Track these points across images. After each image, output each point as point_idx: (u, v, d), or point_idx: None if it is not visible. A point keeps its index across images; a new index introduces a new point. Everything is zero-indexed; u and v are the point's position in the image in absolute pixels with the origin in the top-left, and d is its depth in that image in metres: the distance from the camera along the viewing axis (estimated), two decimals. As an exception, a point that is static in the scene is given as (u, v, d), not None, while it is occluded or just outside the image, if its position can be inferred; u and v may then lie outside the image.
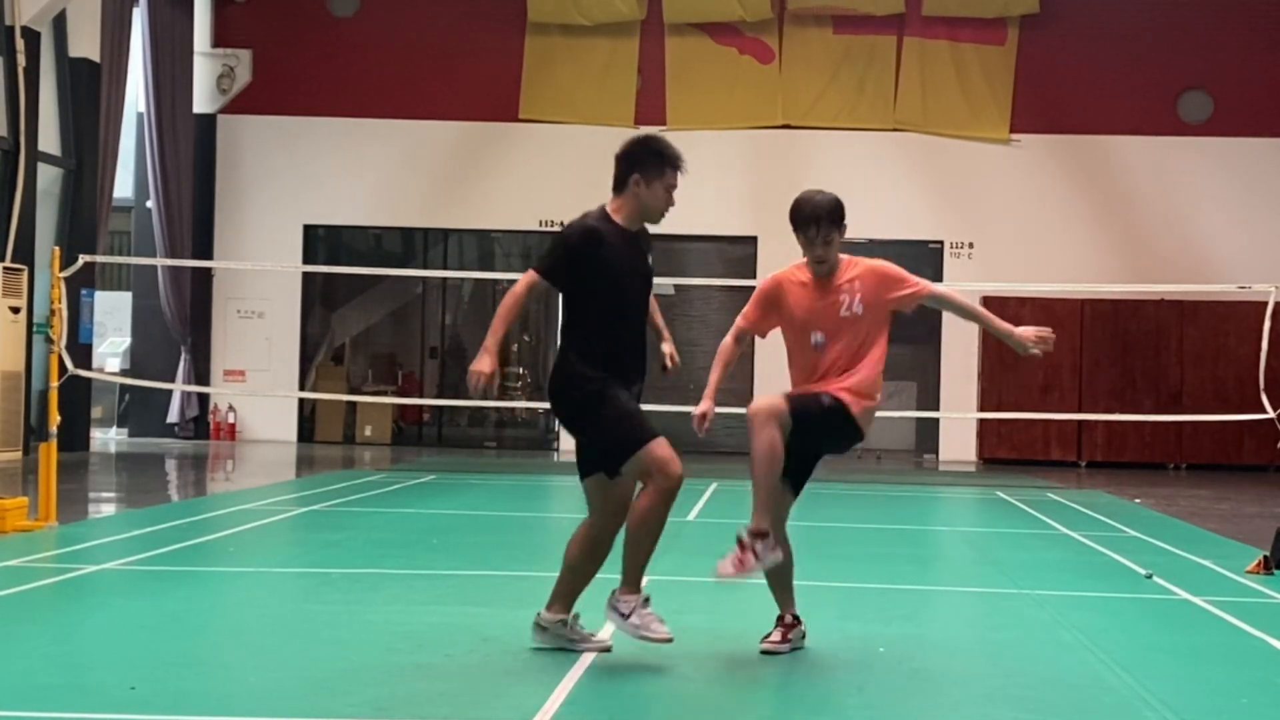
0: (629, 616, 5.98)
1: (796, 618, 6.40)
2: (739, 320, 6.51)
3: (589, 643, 6.15)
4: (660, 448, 5.87)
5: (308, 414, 22.76)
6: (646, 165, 6.08)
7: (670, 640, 5.96)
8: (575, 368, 6.00)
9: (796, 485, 6.29)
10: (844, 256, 6.33)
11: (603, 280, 5.99)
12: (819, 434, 6.16)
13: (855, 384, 6.14)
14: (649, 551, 5.99)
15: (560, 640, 6.12)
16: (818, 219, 6.18)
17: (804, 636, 6.40)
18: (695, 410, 6.38)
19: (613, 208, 6.12)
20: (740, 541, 5.98)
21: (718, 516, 11.84)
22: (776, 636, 6.30)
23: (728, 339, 6.52)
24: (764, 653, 6.21)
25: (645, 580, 6.09)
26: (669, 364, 6.37)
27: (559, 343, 6.18)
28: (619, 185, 6.12)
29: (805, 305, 6.25)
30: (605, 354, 6.02)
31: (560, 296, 6.18)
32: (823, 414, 6.08)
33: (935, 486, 17.12)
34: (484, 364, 5.85)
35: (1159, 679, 5.94)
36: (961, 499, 15.78)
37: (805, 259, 6.32)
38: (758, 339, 6.65)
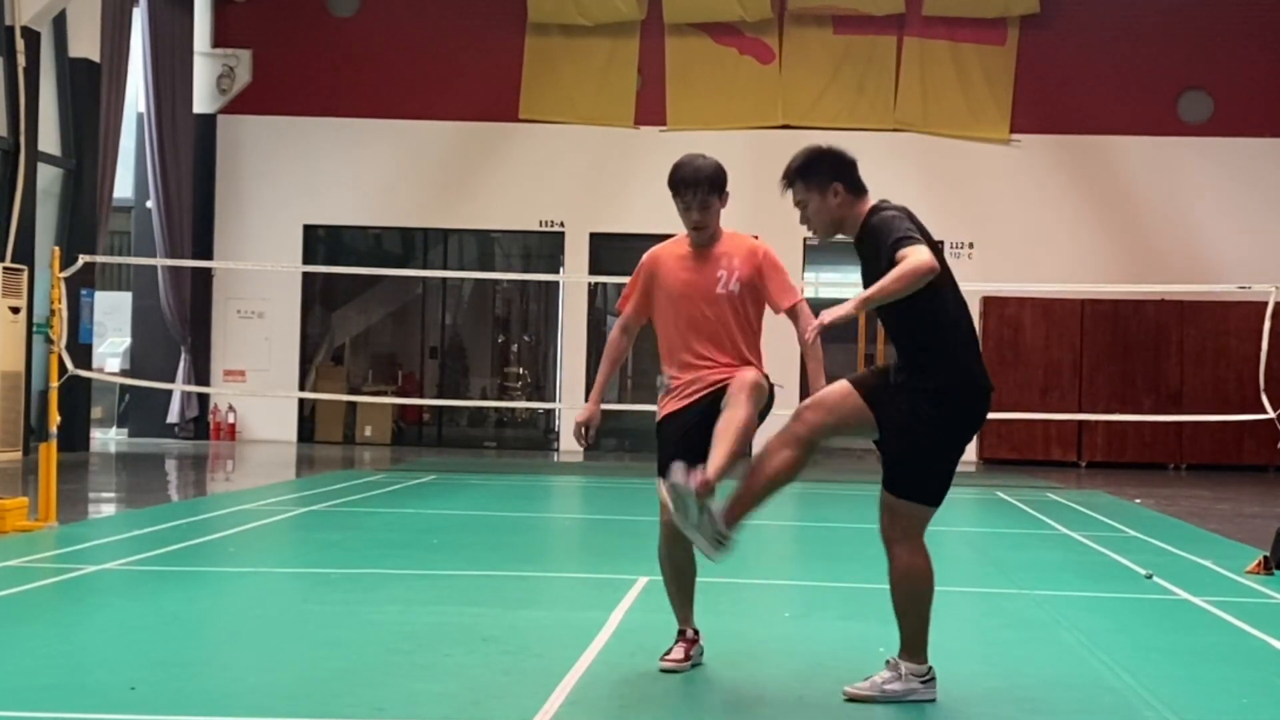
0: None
1: (698, 632, 6.02)
2: (622, 307, 6.13)
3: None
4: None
5: (308, 414, 22.76)
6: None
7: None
8: None
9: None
10: (728, 231, 6.07)
11: None
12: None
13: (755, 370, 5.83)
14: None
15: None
16: (697, 182, 5.89)
17: (702, 653, 5.99)
18: (577, 417, 6.04)
19: None
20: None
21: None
22: (679, 654, 5.88)
23: (614, 333, 6.17)
24: (664, 671, 5.81)
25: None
26: None
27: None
28: None
29: (681, 278, 5.94)
30: None
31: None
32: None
33: (935, 486, 17.08)
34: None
35: (1159, 679, 5.94)
36: (961, 499, 15.76)
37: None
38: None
